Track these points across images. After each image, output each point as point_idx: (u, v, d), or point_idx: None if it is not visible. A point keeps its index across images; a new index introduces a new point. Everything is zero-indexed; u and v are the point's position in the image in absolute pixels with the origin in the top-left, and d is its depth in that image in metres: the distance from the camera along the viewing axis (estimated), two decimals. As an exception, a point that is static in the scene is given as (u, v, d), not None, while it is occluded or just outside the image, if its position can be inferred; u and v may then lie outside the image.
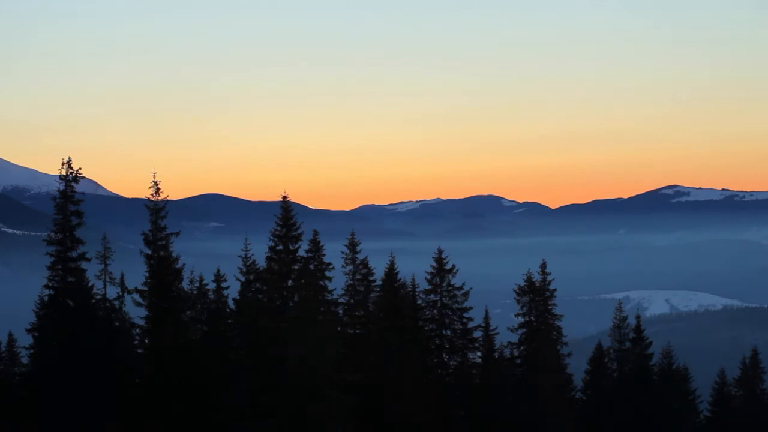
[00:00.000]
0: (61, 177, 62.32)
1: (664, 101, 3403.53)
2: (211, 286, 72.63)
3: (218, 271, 72.98)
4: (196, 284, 71.97)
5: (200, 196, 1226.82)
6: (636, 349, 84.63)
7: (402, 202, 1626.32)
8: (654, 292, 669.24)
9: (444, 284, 79.47)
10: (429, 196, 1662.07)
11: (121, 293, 65.38)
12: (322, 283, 69.56)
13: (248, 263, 70.97)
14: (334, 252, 73.20)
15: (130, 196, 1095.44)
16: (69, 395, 59.73)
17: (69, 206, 62.49)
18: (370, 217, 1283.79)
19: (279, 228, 67.49)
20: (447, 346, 79.80)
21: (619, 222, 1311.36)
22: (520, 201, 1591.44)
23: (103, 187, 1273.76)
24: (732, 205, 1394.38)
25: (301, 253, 68.35)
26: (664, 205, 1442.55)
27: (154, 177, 64.12)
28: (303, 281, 67.46)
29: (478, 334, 79.81)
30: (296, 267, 67.43)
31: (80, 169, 62.55)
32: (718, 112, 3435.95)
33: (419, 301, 79.46)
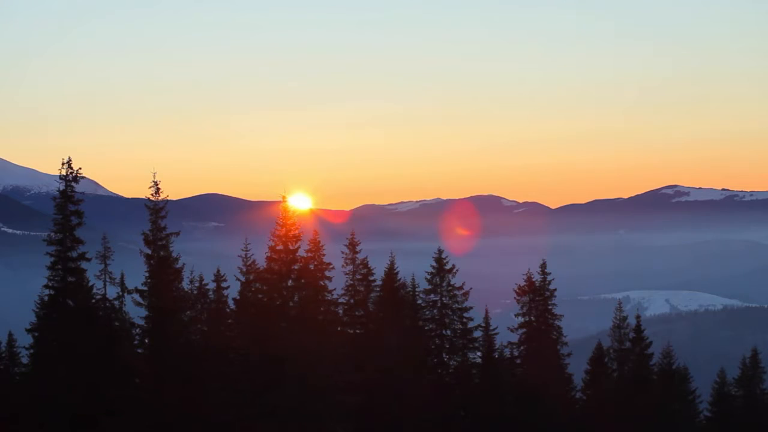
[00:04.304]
0: (61, 177, 62.27)
1: (664, 101, 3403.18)
2: (211, 286, 72.66)
3: (218, 271, 72.97)
4: (196, 284, 71.98)
5: (200, 196, 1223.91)
6: (636, 349, 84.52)
7: (402, 202, 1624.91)
8: (654, 292, 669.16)
9: (444, 284, 79.48)
10: (429, 196, 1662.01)
11: (121, 293, 65.36)
12: (322, 283, 69.58)
13: (248, 263, 70.97)
14: (334, 252, 73.18)
15: (130, 196, 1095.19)
16: (69, 395, 59.70)
17: (69, 206, 62.44)
18: (370, 217, 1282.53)
19: (279, 228, 67.51)
20: (447, 346, 79.78)
21: (619, 222, 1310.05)
22: (520, 201, 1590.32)
23: (103, 187, 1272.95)
24: (732, 205, 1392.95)
25: (301, 253, 68.35)
26: (664, 205, 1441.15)
27: (154, 177, 64.15)
28: (303, 281, 67.50)
29: (478, 334, 79.81)
30: (296, 267, 67.44)
31: (80, 169, 62.52)
32: (718, 111, 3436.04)
33: (419, 301, 79.45)
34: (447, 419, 75.51)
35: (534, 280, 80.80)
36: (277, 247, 67.36)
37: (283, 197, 67.67)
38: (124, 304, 65.62)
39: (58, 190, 62.64)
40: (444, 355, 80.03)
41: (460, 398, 78.34)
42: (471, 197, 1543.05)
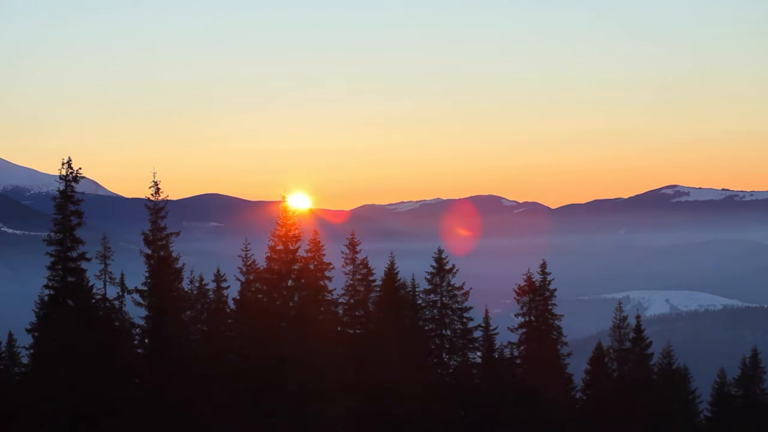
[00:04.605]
0: (61, 177, 62.26)
1: (664, 101, 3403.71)
2: (211, 286, 72.71)
3: (218, 271, 73.04)
4: (196, 284, 72.05)
5: (200, 196, 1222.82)
6: (636, 349, 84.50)
7: (402, 202, 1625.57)
8: (654, 292, 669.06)
9: (444, 284, 79.48)
10: (429, 196, 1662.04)
11: (121, 293, 65.40)
12: (322, 283, 69.62)
13: (248, 263, 71.02)
14: (334, 252, 73.22)
15: (130, 196, 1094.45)
16: (69, 395, 59.70)
17: (69, 206, 62.44)
18: (370, 217, 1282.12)
19: (279, 228, 67.57)
20: (447, 346, 79.78)
21: (619, 222, 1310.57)
22: (520, 201, 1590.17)
23: (103, 187, 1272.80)
24: (732, 205, 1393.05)
25: (301, 253, 68.40)
26: (664, 205, 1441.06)
27: (154, 177, 64.28)
28: (303, 281, 67.53)
29: (478, 334, 79.81)
30: (296, 267, 67.47)
31: (80, 169, 62.51)
32: (717, 111, 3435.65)
33: (419, 301, 79.44)
34: (447, 419, 75.50)
35: (534, 280, 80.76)
36: (277, 247, 67.41)
37: (283, 197, 67.78)
38: (124, 304, 65.65)
39: (58, 190, 62.62)
40: (444, 355, 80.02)
41: (460, 398, 78.33)
42: (471, 197, 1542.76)
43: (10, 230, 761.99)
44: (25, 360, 67.14)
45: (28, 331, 63.45)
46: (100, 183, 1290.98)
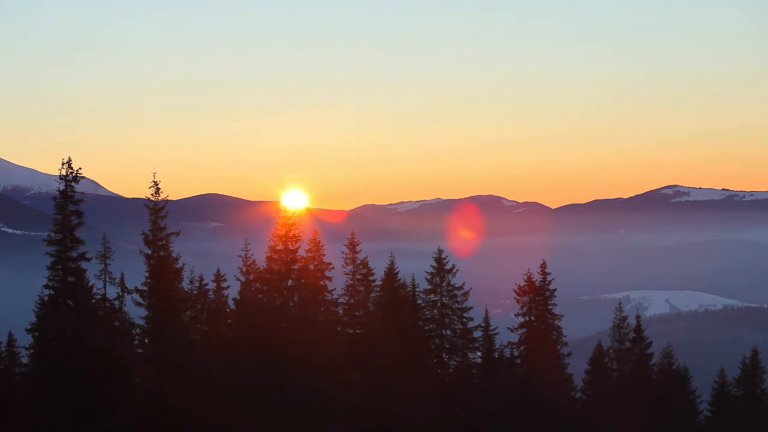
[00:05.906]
0: (61, 177, 62.25)
1: (663, 100, 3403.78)
2: (211, 286, 72.73)
3: (218, 271, 73.08)
4: (196, 284, 72.06)
5: (200, 196, 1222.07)
6: (636, 349, 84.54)
7: (402, 202, 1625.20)
8: (654, 292, 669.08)
9: (444, 284, 79.50)
10: (429, 196, 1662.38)
11: (121, 293, 65.42)
12: (322, 283, 69.64)
13: (248, 263, 71.05)
14: (334, 252, 73.25)
15: (130, 196, 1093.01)
16: (69, 395, 59.70)
17: (69, 206, 62.43)
18: (370, 217, 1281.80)
19: (279, 228, 67.62)
20: (447, 346, 79.81)
21: (619, 222, 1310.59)
22: (520, 201, 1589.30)
23: (103, 187, 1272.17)
24: (732, 205, 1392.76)
25: (301, 253, 68.43)
26: (664, 205, 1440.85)
27: (154, 177, 64.27)
28: (303, 281, 67.56)
29: (478, 334, 79.83)
30: (296, 267, 67.49)
31: (80, 169, 62.49)
32: (717, 111, 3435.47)
33: (419, 301, 79.46)
34: (447, 419, 75.51)
35: (534, 280, 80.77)
36: (277, 247, 67.47)
37: (283, 197, 67.93)
38: (124, 304, 65.66)
39: (58, 190, 62.60)
40: (444, 355, 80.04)
41: (460, 398, 78.35)
42: (471, 197, 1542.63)
43: (10, 230, 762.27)
44: (25, 360, 67.13)
45: (28, 331, 63.43)
46: (100, 183, 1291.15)
